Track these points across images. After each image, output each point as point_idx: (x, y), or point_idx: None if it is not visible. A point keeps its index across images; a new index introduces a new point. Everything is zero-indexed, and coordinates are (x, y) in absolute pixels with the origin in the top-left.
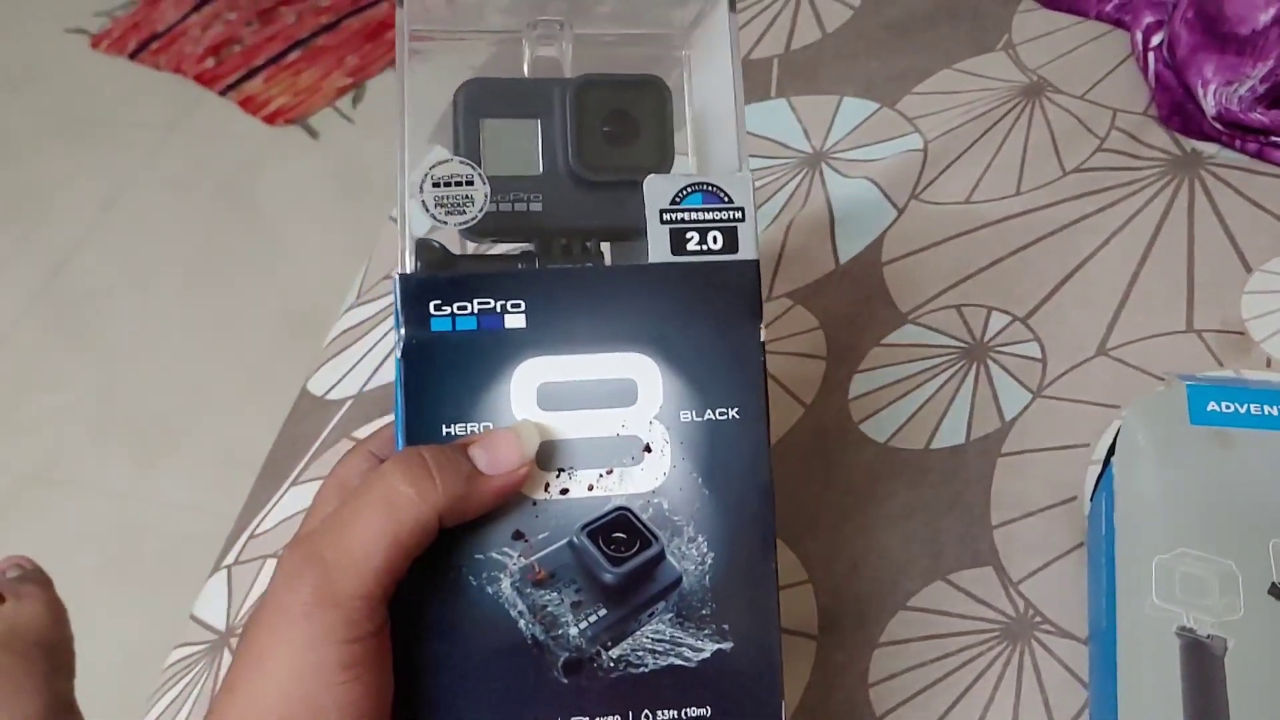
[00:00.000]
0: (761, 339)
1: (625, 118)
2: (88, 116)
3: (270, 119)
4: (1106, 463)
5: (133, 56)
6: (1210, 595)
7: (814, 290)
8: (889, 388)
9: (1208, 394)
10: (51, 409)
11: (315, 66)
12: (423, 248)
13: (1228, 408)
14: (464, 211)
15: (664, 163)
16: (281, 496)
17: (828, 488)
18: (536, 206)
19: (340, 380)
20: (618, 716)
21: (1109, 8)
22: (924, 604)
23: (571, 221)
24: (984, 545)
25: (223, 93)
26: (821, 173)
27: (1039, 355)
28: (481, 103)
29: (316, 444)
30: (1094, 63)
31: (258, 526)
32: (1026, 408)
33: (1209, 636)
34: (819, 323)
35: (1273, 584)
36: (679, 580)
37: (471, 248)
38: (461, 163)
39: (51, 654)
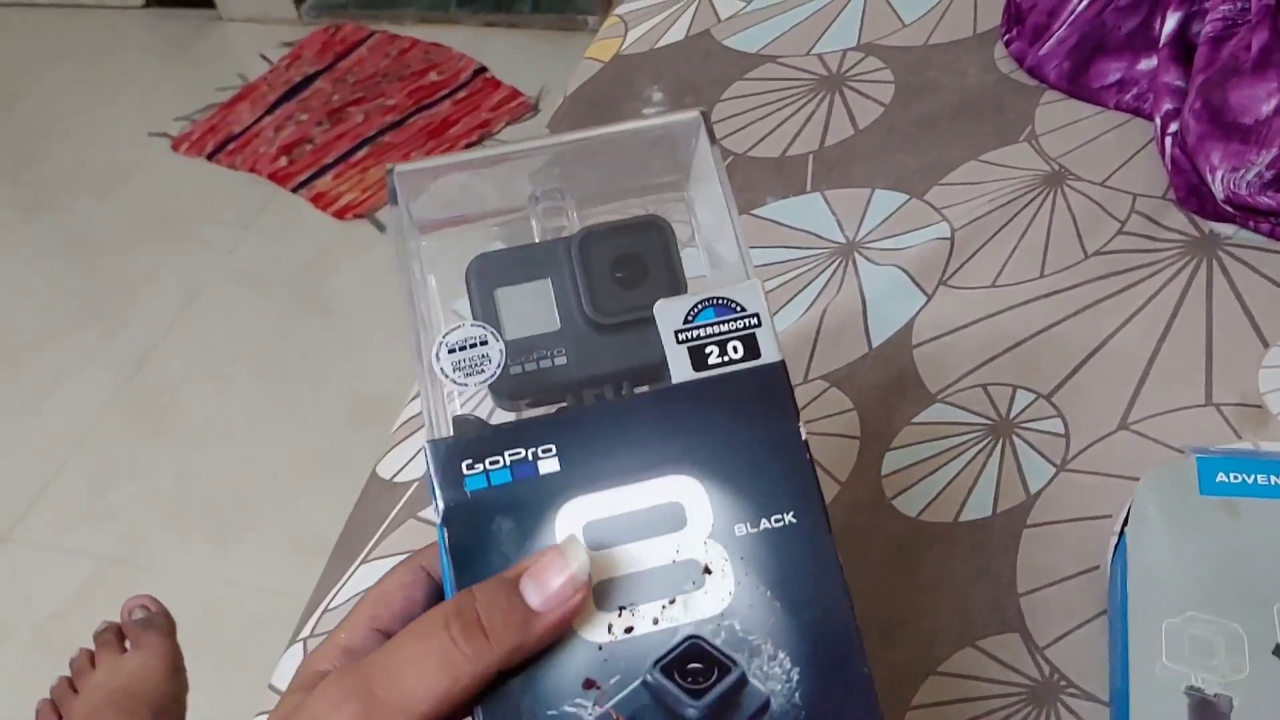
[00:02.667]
0: (803, 437)
1: (632, 260)
2: (168, 215)
3: (340, 214)
4: (1122, 532)
5: (210, 157)
6: (1217, 656)
7: (848, 373)
8: (919, 464)
9: (1216, 465)
10: (132, 495)
11: (383, 162)
12: (459, 424)
13: (1236, 478)
14: (483, 370)
15: (677, 293)
16: (352, 574)
17: (861, 560)
18: (561, 360)
19: (407, 464)
20: None
21: (1128, 97)
22: (954, 669)
23: (599, 368)
24: (1011, 612)
25: (295, 190)
26: (854, 261)
27: (1062, 431)
28: (492, 275)
29: (385, 524)
30: (1114, 150)
31: (330, 602)
32: (1051, 481)
33: (1215, 695)
34: (853, 404)
35: (1276, 645)
36: (767, 703)
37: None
38: (474, 325)
39: (160, 713)
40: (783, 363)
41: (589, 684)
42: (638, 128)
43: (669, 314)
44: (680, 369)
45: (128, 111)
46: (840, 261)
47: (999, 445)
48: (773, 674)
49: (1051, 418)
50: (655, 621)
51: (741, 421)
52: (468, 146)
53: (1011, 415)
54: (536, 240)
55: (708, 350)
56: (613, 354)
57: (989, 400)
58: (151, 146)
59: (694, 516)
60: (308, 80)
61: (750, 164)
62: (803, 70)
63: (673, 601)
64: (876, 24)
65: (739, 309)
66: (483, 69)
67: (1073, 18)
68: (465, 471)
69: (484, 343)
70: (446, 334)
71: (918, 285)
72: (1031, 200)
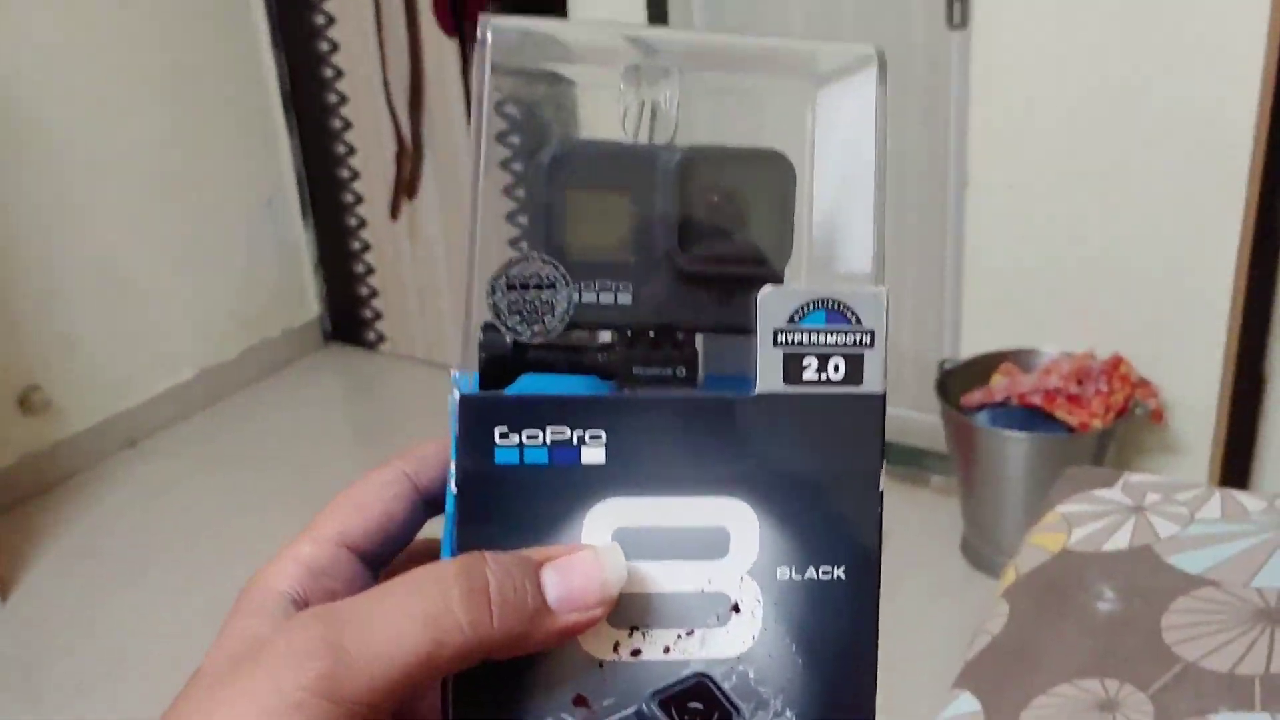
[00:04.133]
0: (880, 486)
1: (738, 199)
2: None
3: None
4: None
5: None
6: None
7: None
8: None
9: None
10: None
11: None
12: (488, 334)
13: None
14: (542, 321)
15: (780, 257)
16: None
17: None
18: (625, 299)
19: None
20: None
21: None
22: None
23: (665, 318)
24: None
25: None
26: None
27: None
28: (568, 169)
29: None
30: None
31: None
32: None
33: None
34: None
35: None
36: None
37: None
38: (544, 261)
39: None
40: (883, 396)
41: (580, 700)
42: (793, 46)
43: (773, 308)
44: (770, 377)
45: None
46: None
47: None
48: None
49: None
50: (666, 650)
51: (819, 454)
52: None
53: None
54: (622, 124)
55: (805, 361)
56: (684, 306)
57: None
58: None
59: (738, 547)
60: None
61: (1200, 674)
62: (1242, 599)
63: (690, 633)
64: None
65: (854, 319)
66: None
67: None
68: (498, 440)
69: (552, 285)
70: (511, 265)
71: None
72: None
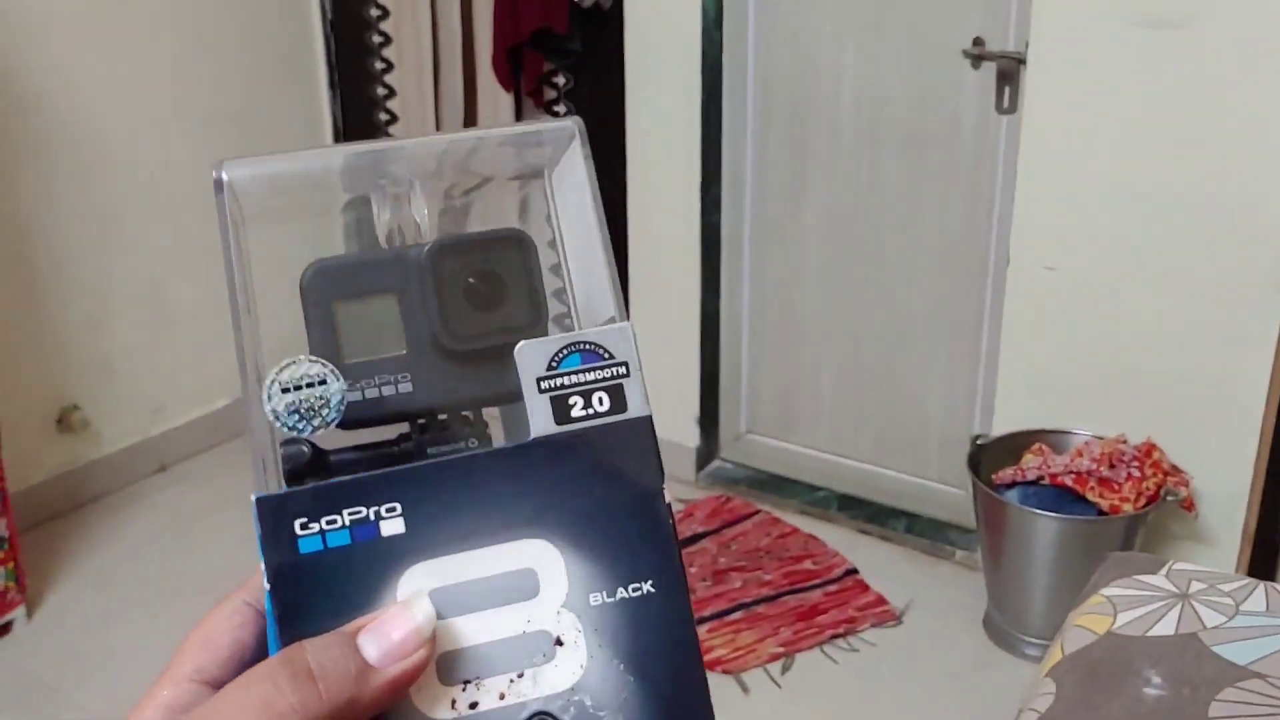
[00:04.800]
0: (667, 499)
1: (490, 278)
2: None
3: (708, 666)
4: None
5: None
6: None
7: None
8: None
9: None
10: None
11: (753, 629)
12: (289, 452)
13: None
14: (320, 415)
15: (537, 321)
16: None
17: None
18: (406, 387)
19: None
20: None
21: None
22: None
23: (446, 397)
24: None
25: None
26: None
27: None
28: (331, 286)
29: None
30: None
31: None
32: None
33: None
34: None
35: None
36: None
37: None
38: (311, 361)
39: None
40: (649, 418)
41: None
42: (507, 134)
43: (531, 359)
44: (541, 421)
45: None
46: None
47: None
48: None
49: None
50: (502, 696)
51: (603, 481)
52: (833, 637)
53: None
54: (380, 237)
55: (571, 401)
56: (464, 383)
57: None
58: None
59: (547, 584)
60: (696, 538)
61: None
62: None
63: (521, 675)
64: None
65: (607, 356)
66: (854, 570)
67: None
68: (299, 532)
69: (323, 382)
70: (280, 370)
71: None
72: None
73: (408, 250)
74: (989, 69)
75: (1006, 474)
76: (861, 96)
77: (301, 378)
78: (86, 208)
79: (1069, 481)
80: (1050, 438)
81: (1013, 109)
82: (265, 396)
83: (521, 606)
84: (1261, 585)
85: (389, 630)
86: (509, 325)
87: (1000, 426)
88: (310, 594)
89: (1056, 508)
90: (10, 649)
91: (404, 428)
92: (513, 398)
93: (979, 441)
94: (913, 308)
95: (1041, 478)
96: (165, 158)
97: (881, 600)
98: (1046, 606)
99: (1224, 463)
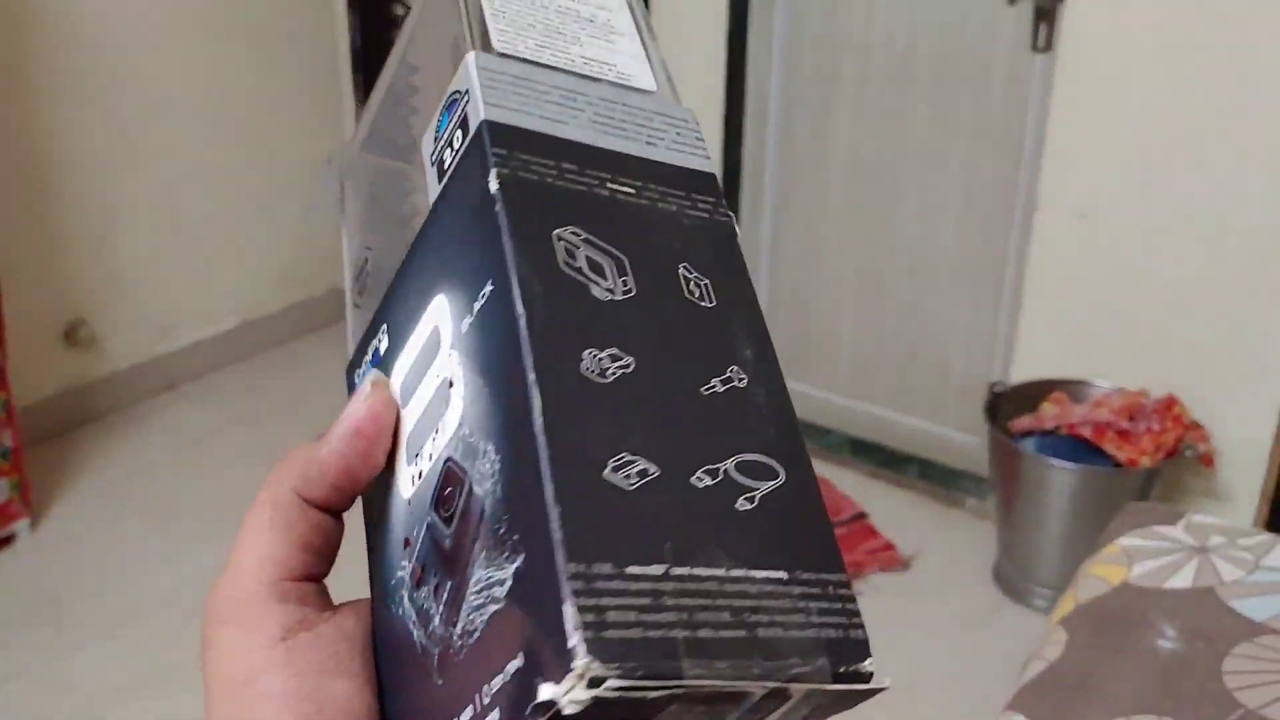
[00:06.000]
0: (493, 189)
1: None
2: None
3: None
4: None
5: None
6: None
7: None
8: None
9: None
10: None
11: None
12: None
13: None
14: None
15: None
16: None
17: None
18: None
19: None
20: (469, 705)
21: None
22: None
23: None
24: None
25: None
26: None
27: None
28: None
29: None
30: None
31: None
32: None
33: None
34: None
35: None
36: (483, 509)
37: None
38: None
39: None
40: (485, 123)
41: (406, 543)
42: None
43: (426, 145)
44: (433, 190)
45: None
46: None
47: None
48: (485, 473)
49: None
50: (431, 458)
51: (456, 204)
52: None
53: None
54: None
55: (445, 156)
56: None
57: None
58: None
59: (443, 332)
60: None
61: None
62: None
63: (437, 431)
64: None
65: (460, 95)
66: (863, 514)
67: None
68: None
69: None
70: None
71: None
72: None
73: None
74: (1026, 5)
75: (1023, 423)
76: (893, 29)
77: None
78: (97, 121)
79: (1087, 433)
80: (1070, 388)
81: (1048, 47)
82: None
83: (434, 364)
84: None
85: (350, 412)
86: None
87: (1020, 375)
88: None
89: (1073, 458)
90: (13, 561)
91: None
92: None
93: (997, 389)
94: (937, 251)
95: (1059, 428)
96: (178, 72)
97: (889, 545)
98: (1058, 557)
99: (1246, 420)
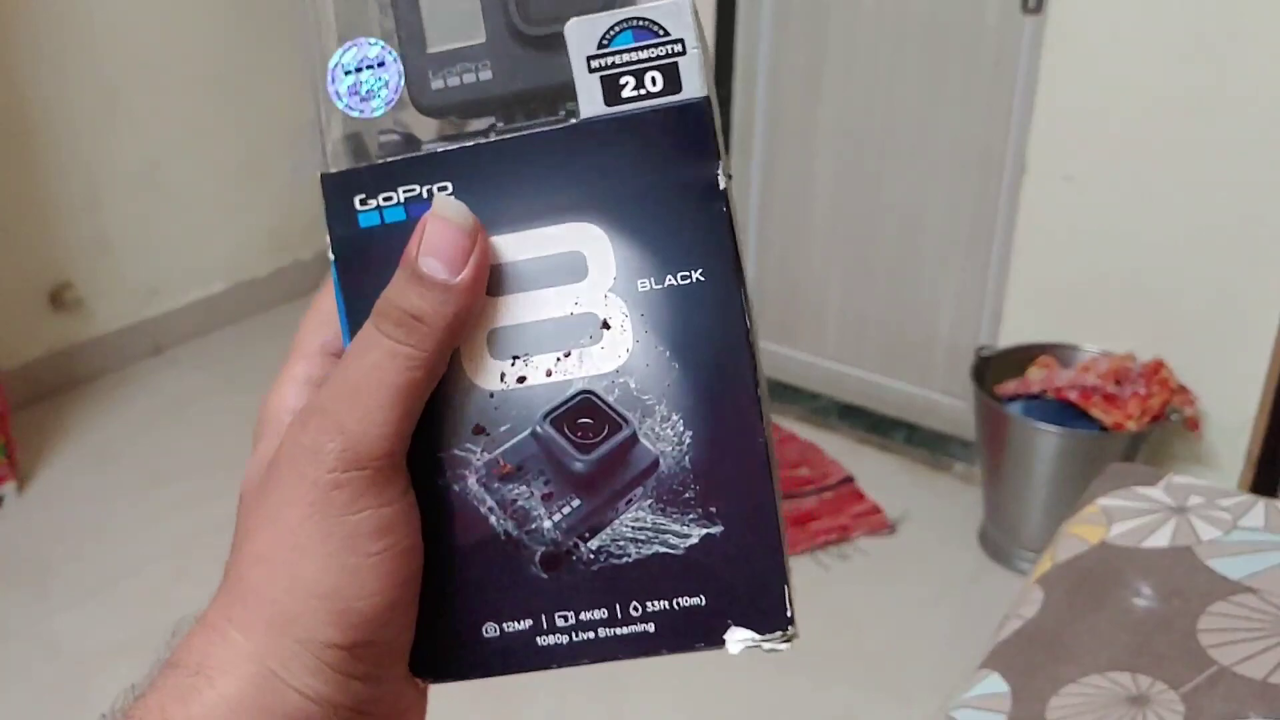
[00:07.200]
0: (722, 185)
1: None
2: None
3: None
4: None
5: None
6: None
7: None
8: None
9: None
10: None
11: None
12: (384, 135)
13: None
14: (379, 96)
15: (611, 3)
16: None
17: None
18: (486, 75)
19: None
20: (604, 609)
21: None
22: None
23: (525, 83)
24: None
25: None
26: None
27: None
28: None
29: None
30: None
31: None
32: None
33: None
34: None
35: None
36: (656, 463)
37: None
38: (370, 44)
39: None
40: (707, 99)
41: (479, 430)
42: None
43: (581, 36)
44: (590, 102)
45: None
46: None
47: None
48: (665, 435)
49: None
50: (549, 373)
51: (656, 165)
52: (825, 544)
53: None
54: None
55: (622, 81)
56: (541, 68)
57: None
58: None
59: (596, 267)
60: None
61: (1234, 679)
62: None
63: (568, 355)
64: None
65: (662, 33)
66: (850, 478)
67: None
68: (358, 207)
69: (381, 64)
70: (343, 53)
71: None
72: None
73: None
74: None
75: (1010, 387)
76: None
77: (361, 59)
78: (83, 84)
79: (1073, 396)
80: (1057, 352)
81: (1038, 8)
82: (329, 79)
83: (570, 288)
84: (1261, 501)
85: (440, 246)
86: (583, 8)
87: (1007, 339)
88: (370, 265)
89: (1059, 422)
90: (0, 524)
91: (492, 121)
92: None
93: (984, 353)
94: (925, 214)
95: (1045, 391)
96: (163, 34)
97: (876, 509)
98: (1043, 520)
99: (1232, 385)
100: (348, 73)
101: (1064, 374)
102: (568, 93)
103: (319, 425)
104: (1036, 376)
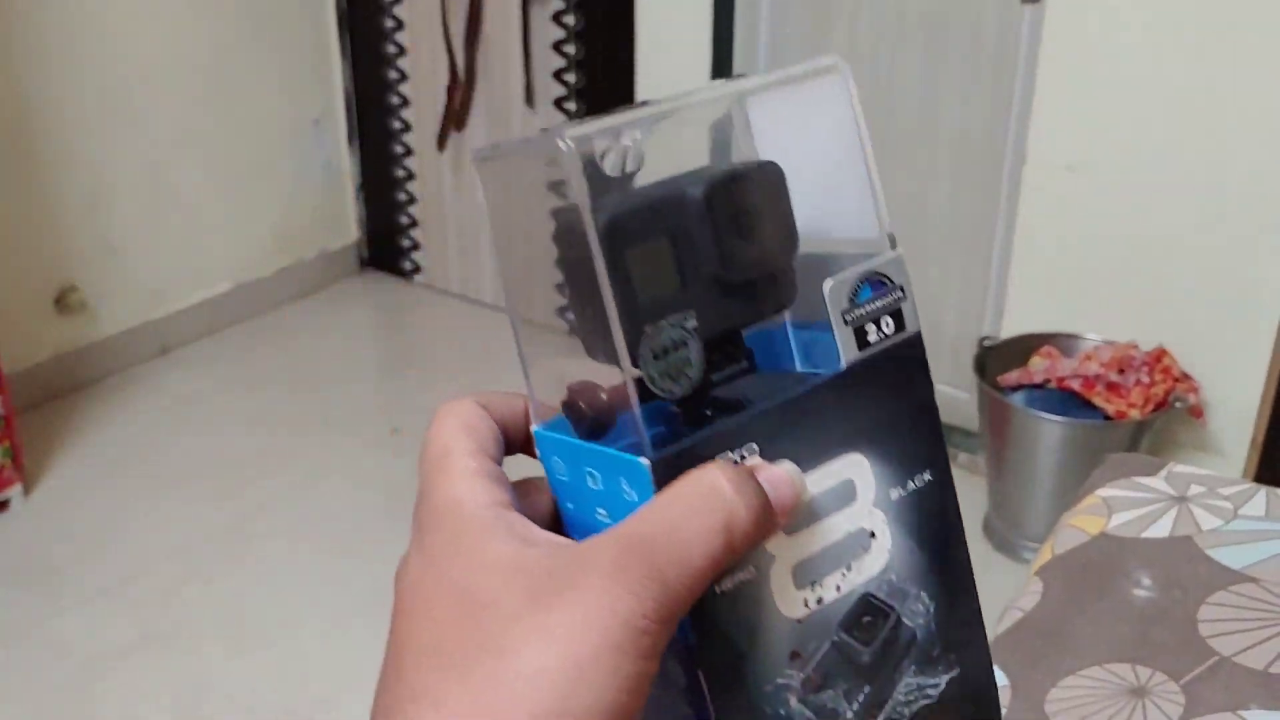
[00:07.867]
0: (934, 400)
1: (753, 209)
2: None
3: None
4: None
5: None
6: None
7: None
8: None
9: None
10: None
11: None
12: (571, 410)
13: None
14: (686, 374)
15: (792, 248)
16: None
17: None
18: (692, 324)
19: None
20: None
21: None
22: None
23: (723, 324)
24: None
25: None
26: None
27: None
28: (623, 233)
29: None
30: None
31: None
32: None
33: None
34: None
35: None
36: (915, 637)
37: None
38: (671, 326)
39: None
40: (920, 333)
41: (794, 655)
42: (777, 78)
43: (837, 295)
44: (848, 350)
45: None
46: None
47: None
48: (916, 611)
49: None
50: (838, 589)
51: (893, 393)
52: None
53: None
54: (600, 160)
55: (868, 329)
56: (733, 309)
57: None
58: None
59: (862, 488)
60: None
61: (1234, 669)
62: None
63: (849, 569)
64: None
65: (889, 283)
66: None
67: None
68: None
69: (684, 344)
70: (649, 338)
71: None
72: None
73: (680, 187)
74: None
75: (1012, 377)
76: None
77: (668, 342)
78: (87, 86)
79: (1076, 386)
80: (1060, 341)
81: None
82: (638, 360)
83: (846, 512)
84: (1263, 490)
85: (779, 484)
86: (771, 253)
87: (1010, 329)
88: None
89: (1062, 412)
90: (7, 527)
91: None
92: (773, 313)
93: (986, 343)
94: (926, 205)
95: (1048, 381)
96: (167, 34)
97: None
98: (1047, 511)
99: (1235, 372)
100: (656, 357)
101: (1067, 363)
102: (748, 324)
103: (641, 568)
104: (1039, 366)
